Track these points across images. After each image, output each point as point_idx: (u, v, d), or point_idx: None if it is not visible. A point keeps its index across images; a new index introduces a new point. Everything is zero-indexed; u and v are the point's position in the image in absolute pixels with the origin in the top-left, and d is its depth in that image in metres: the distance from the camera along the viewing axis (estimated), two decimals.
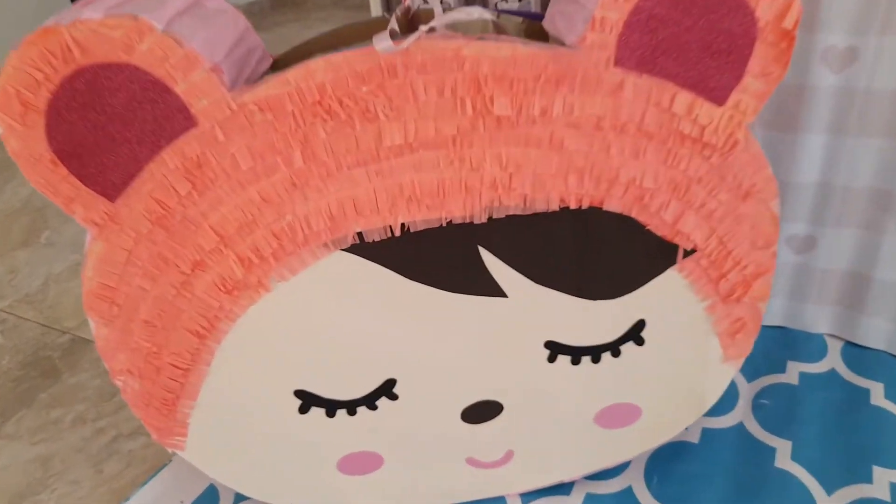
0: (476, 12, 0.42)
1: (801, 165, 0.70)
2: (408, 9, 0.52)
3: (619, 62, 0.43)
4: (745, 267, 0.51)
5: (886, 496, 0.59)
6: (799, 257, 0.75)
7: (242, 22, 0.48)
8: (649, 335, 0.53)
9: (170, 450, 0.55)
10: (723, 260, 0.50)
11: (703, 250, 0.50)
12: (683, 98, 0.44)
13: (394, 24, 0.45)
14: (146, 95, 0.41)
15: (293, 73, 0.41)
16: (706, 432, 0.67)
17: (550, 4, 0.50)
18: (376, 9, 0.88)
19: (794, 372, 0.74)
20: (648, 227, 0.48)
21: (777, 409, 0.69)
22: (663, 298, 0.52)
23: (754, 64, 0.43)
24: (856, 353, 0.75)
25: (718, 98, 0.44)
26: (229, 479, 0.58)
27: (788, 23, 0.42)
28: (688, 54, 0.43)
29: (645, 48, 0.42)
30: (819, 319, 0.78)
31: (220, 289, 0.47)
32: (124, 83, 0.40)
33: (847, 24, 0.62)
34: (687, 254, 0.50)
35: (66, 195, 0.43)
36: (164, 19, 0.40)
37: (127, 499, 0.64)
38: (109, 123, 0.41)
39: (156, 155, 0.43)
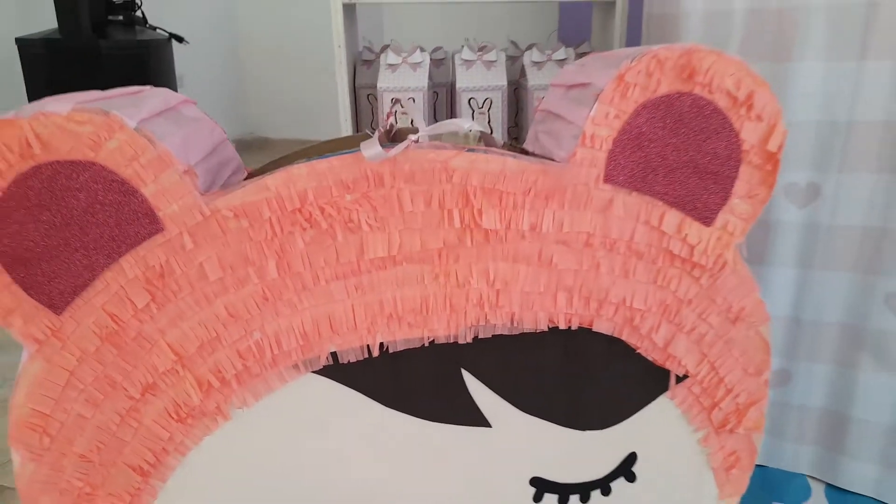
0: (466, 124, 0.42)
1: (772, 298, 0.70)
2: (391, 126, 0.52)
3: (608, 179, 0.42)
4: (738, 395, 0.48)
5: None
6: (775, 392, 0.74)
7: (219, 132, 0.47)
8: (641, 470, 0.49)
9: None
10: (715, 387, 0.48)
11: (695, 377, 0.47)
12: (672, 217, 0.43)
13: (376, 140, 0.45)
14: (109, 198, 0.38)
15: (273, 179, 0.39)
16: None
17: (531, 127, 0.51)
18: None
19: None
20: (639, 351, 0.46)
21: None
22: (656, 429, 0.48)
23: (740, 185, 0.44)
24: (840, 496, 0.72)
25: (706, 218, 0.44)
26: None
27: (773, 146, 0.43)
28: (676, 173, 0.43)
29: (634, 166, 0.42)
30: (800, 459, 0.75)
31: (171, 416, 0.42)
32: (87, 183, 0.37)
33: (808, 162, 0.65)
34: (679, 380, 0.47)
35: (6, 306, 0.39)
36: (138, 118, 0.38)
37: None
38: (65, 227, 0.38)
39: (114, 263, 0.39)
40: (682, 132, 0.42)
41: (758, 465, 0.77)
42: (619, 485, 0.50)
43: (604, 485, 0.49)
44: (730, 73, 0.41)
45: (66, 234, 0.38)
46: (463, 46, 0.94)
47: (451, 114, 0.97)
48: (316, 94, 2.30)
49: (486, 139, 0.49)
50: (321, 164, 0.39)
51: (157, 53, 1.73)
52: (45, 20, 1.73)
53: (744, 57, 0.63)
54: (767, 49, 0.63)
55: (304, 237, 0.40)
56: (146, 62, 1.71)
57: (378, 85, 0.91)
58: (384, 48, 0.96)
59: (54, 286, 0.39)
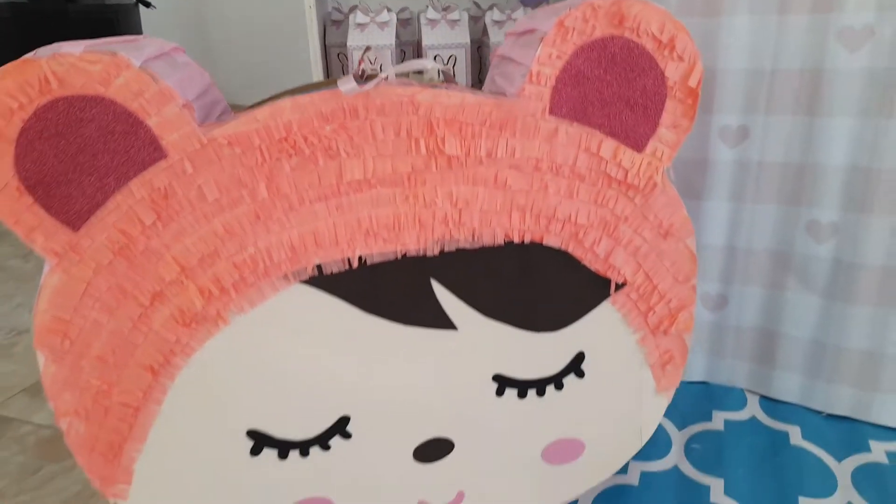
0: (430, 63, 0.48)
1: (709, 229, 0.78)
2: (362, 70, 0.58)
3: (553, 111, 0.49)
4: (670, 300, 0.56)
5: None
6: (713, 315, 0.82)
7: (207, 77, 0.52)
8: (589, 367, 0.57)
9: (111, 500, 0.53)
10: (650, 293, 0.55)
11: (633, 284, 0.55)
12: (609, 145, 0.50)
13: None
14: (118, 128, 0.43)
15: (262, 112, 0.45)
16: (644, 475, 0.70)
17: (489, 71, 0.57)
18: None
19: (719, 420, 0.78)
20: (584, 262, 0.53)
21: (707, 452, 0.73)
22: (600, 331, 0.56)
23: (666, 117, 0.51)
24: (773, 404, 0.81)
25: (638, 145, 0.51)
26: None
27: (693, 82, 0.50)
28: (611, 106, 0.49)
29: (575, 100, 0.49)
30: (737, 374, 0.84)
31: (177, 322, 0.48)
32: (97, 115, 0.43)
33: (737, 106, 0.72)
34: (618, 287, 0.55)
35: (29, 224, 0.44)
36: (140, 59, 0.43)
37: None
38: (79, 154, 0.43)
39: (123, 186, 0.45)
40: (614, 70, 0.49)
41: (700, 382, 0.86)
42: (570, 380, 0.57)
43: (557, 380, 0.57)
44: (654, 19, 0.48)
45: (80, 160, 0.43)
46: (427, 7, 0.99)
47: None
48: (285, 57, 2.31)
49: (447, 78, 0.55)
50: (303, 99, 0.45)
51: (125, 18, 1.74)
52: None
53: (682, 12, 0.71)
54: (701, 5, 0.70)
55: (290, 163, 0.46)
56: (114, 26, 1.73)
57: (348, 43, 0.96)
58: (352, 8, 1.01)
59: (71, 207, 0.44)
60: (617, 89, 0.49)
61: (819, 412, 0.79)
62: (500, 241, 0.51)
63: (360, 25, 0.98)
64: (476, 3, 1.05)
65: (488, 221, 0.50)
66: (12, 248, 1.45)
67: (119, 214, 0.45)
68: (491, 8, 1.00)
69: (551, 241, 0.52)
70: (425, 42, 0.97)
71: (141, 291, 0.47)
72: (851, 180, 0.70)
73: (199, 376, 0.50)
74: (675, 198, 0.53)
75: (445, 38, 0.97)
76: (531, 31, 0.50)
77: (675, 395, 0.82)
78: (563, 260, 0.53)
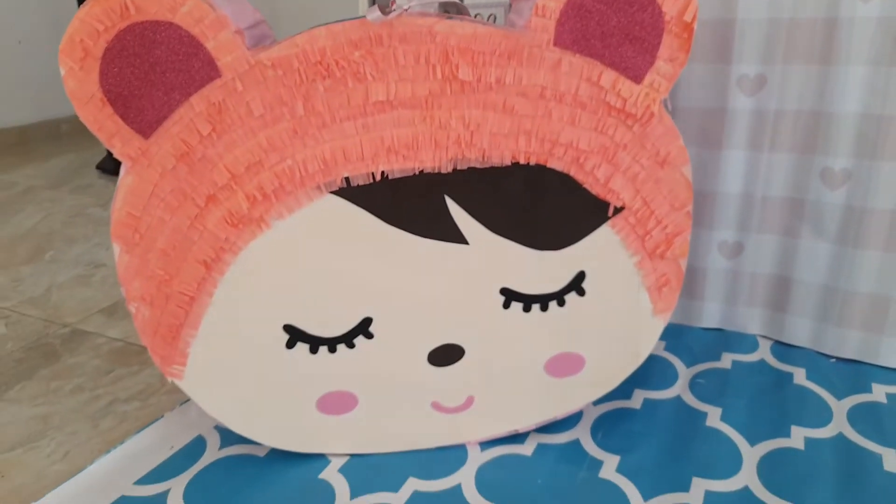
0: None
1: (726, 178, 0.82)
2: (392, 4, 0.64)
3: (557, 42, 0.54)
4: (666, 226, 0.61)
5: (801, 447, 0.67)
6: (729, 262, 0.86)
7: (259, 14, 0.60)
8: (589, 286, 0.63)
9: (169, 379, 0.62)
10: (647, 218, 0.61)
11: (631, 209, 0.60)
12: (609, 75, 0.56)
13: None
14: (183, 49, 0.51)
15: (300, 38, 0.52)
16: (647, 402, 0.75)
17: (510, 11, 0.63)
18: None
19: (727, 360, 0.82)
20: (585, 185, 0.59)
21: (711, 386, 0.77)
22: (600, 252, 0.61)
23: (663, 50, 0.55)
24: (783, 349, 0.84)
25: (637, 77, 0.56)
26: (220, 413, 0.65)
27: (688, 17, 0.54)
28: (611, 39, 0.55)
29: (577, 32, 0.54)
30: (750, 320, 0.88)
31: (227, 222, 0.56)
32: (167, 38, 0.51)
33: (756, 56, 0.76)
34: (616, 211, 0.60)
35: (109, 131, 0.53)
36: None
37: (122, 442, 0.70)
38: (151, 71, 0.52)
39: (185, 100, 0.53)
40: (615, 5, 0.54)
41: (716, 329, 0.90)
42: (571, 298, 0.63)
43: (559, 297, 0.63)
44: None
45: (151, 77, 0.52)
46: None
47: None
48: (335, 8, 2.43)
49: (460, 10, 0.61)
50: (336, 27, 0.52)
51: None
52: None
53: None
54: None
55: (324, 84, 0.53)
56: None
57: (396, 1, 1.03)
58: None
59: (143, 117, 0.53)
60: (617, 23, 0.54)
61: (829, 356, 0.82)
62: (507, 162, 0.57)
63: None
64: None
65: (497, 144, 0.56)
66: (92, 198, 1.60)
67: (182, 126, 0.54)
68: None
69: (555, 164, 0.58)
70: (467, 1, 1.03)
71: (198, 194, 0.55)
72: (863, 127, 0.73)
73: (244, 273, 0.58)
74: (671, 128, 0.58)
75: None
76: None
77: (689, 338, 0.88)
78: (566, 183, 0.58)
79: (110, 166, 1.80)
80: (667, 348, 0.85)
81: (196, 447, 0.70)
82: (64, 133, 2.18)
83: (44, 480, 0.66)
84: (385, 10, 0.53)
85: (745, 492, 0.62)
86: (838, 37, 0.71)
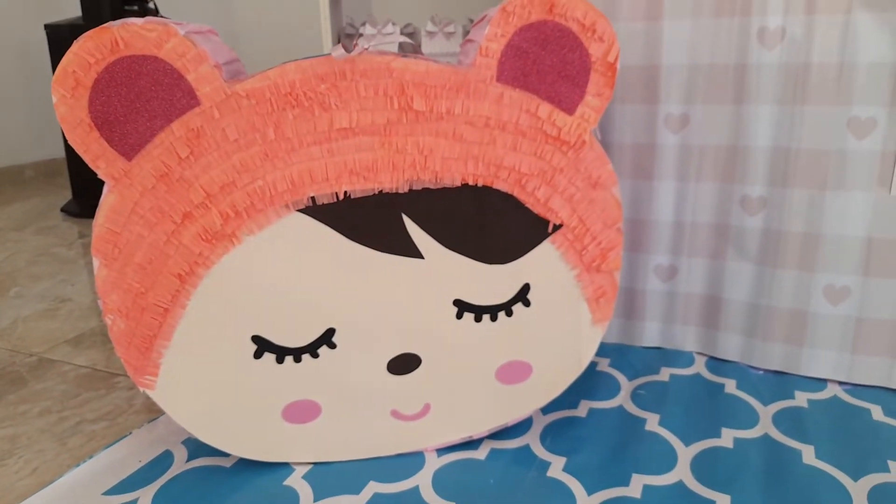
0: (400, 39, 0.62)
1: (659, 206, 0.90)
2: (355, 45, 0.72)
3: (499, 79, 0.62)
4: (601, 242, 0.68)
5: (730, 445, 0.73)
6: (665, 284, 0.93)
7: (234, 53, 0.67)
8: (534, 298, 0.69)
9: (141, 389, 0.66)
10: (583, 234, 0.68)
11: (568, 226, 0.67)
12: (545, 107, 0.63)
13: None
14: (165, 80, 0.57)
15: (272, 72, 0.59)
16: (592, 410, 0.81)
17: (459, 53, 0.71)
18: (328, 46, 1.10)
19: (666, 374, 0.89)
20: (527, 205, 0.66)
21: (650, 396, 0.84)
22: (542, 265, 0.68)
23: (591, 86, 0.63)
24: (717, 363, 0.92)
25: (569, 109, 0.64)
26: (189, 423, 0.68)
27: (611, 57, 0.63)
28: (546, 76, 0.63)
29: (517, 70, 0.62)
30: (687, 338, 0.95)
31: (202, 238, 0.62)
32: (152, 70, 0.57)
33: (679, 97, 0.85)
34: (556, 228, 0.67)
35: (95, 153, 0.58)
36: (185, 31, 0.58)
37: (90, 457, 0.72)
38: (136, 100, 0.58)
39: (167, 126, 0.59)
40: (548, 47, 0.62)
41: (656, 348, 0.97)
42: (518, 308, 0.69)
43: (507, 307, 0.69)
44: (579, 7, 0.61)
45: (136, 104, 0.58)
46: (428, 21, 1.14)
47: None
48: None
49: (416, 50, 0.69)
50: (304, 62, 0.59)
51: None
52: (70, 10, 1.93)
53: (628, 17, 0.84)
54: (644, 9, 0.83)
55: (293, 113, 0.60)
56: None
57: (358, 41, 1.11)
58: (363, 23, 1.17)
59: (127, 141, 0.58)
60: (551, 63, 0.62)
61: (757, 368, 0.89)
62: (457, 183, 0.64)
63: (368, 37, 1.13)
64: (470, 20, 1.20)
65: (448, 167, 0.63)
66: (56, 239, 1.61)
67: (162, 149, 0.59)
68: None
69: (500, 185, 0.65)
70: (424, 51, 1.12)
71: (175, 211, 0.61)
72: (774, 159, 0.82)
73: (215, 286, 0.63)
74: (601, 154, 0.66)
75: (442, 47, 1.11)
76: (484, 17, 0.64)
77: (631, 356, 0.95)
78: (510, 202, 0.65)
79: (75, 209, 1.82)
80: (611, 364, 0.91)
81: (164, 460, 0.73)
82: (28, 178, 2.20)
83: (12, 493, 0.68)
84: (348, 49, 0.60)
85: (679, 485, 0.67)
86: (748, 80, 0.81)
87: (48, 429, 0.79)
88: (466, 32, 1.17)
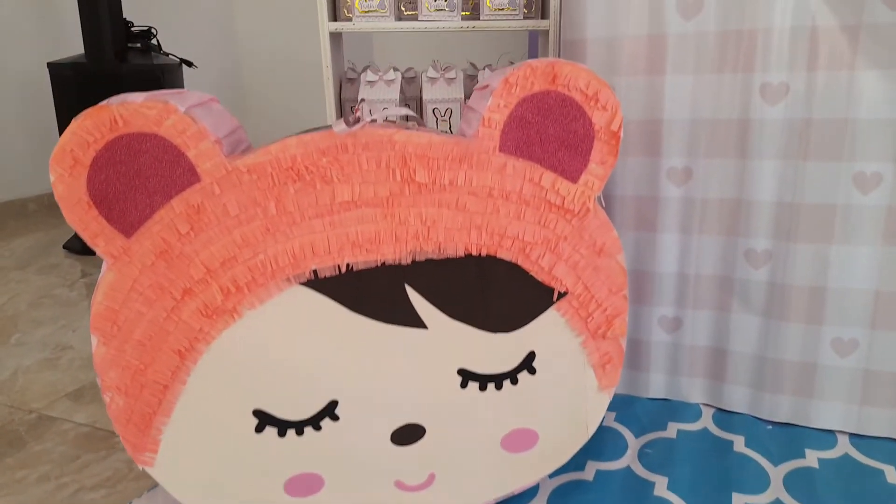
0: (403, 111, 0.61)
1: (663, 259, 0.89)
2: (357, 118, 0.71)
3: (502, 149, 0.61)
4: (606, 308, 0.67)
5: None
6: (670, 336, 0.92)
7: (235, 121, 0.66)
8: (539, 365, 0.68)
9: (140, 466, 0.64)
10: (588, 302, 0.67)
11: (573, 293, 0.66)
12: (549, 176, 0.63)
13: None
14: (166, 157, 0.57)
15: (273, 147, 0.58)
16: (599, 473, 0.79)
17: (462, 121, 0.70)
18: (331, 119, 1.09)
19: (673, 430, 0.88)
20: (531, 273, 0.65)
21: (658, 456, 0.82)
22: (547, 333, 0.67)
23: (595, 154, 0.63)
24: (724, 416, 0.90)
25: (573, 177, 0.63)
26: (189, 498, 0.67)
27: (615, 126, 0.62)
28: (549, 146, 0.62)
29: (519, 140, 0.61)
30: (693, 390, 0.94)
31: (202, 313, 0.61)
32: (151, 148, 0.56)
33: (682, 151, 0.85)
34: (560, 296, 0.66)
35: (94, 231, 0.58)
36: (185, 106, 0.57)
37: None
38: (136, 177, 0.57)
39: (166, 203, 0.58)
40: (551, 117, 0.61)
41: (662, 399, 0.96)
42: (523, 376, 0.68)
43: (512, 376, 0.68)
44: (582, 77, 0.60)
45: (135, 182, 0.57)
46: (429, 67, 1.14)
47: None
48: (306, 108, 2.59)
49: (418, 122, 0.68)
50: (306, 137, 0.59)
51: (170, 76, 1.94)
52: (73, 47, 1.94)
53: (630, 71, 0.84)
54: (646, 66, 0.83)
55: (294, 187, 0.59)
56: (160, 83, 1.92)
57: (359, 98, 1.11)
58: (365, 68, 1.17)
59: (126, 218, 0.58)
60: (554, 132, 0.62)
61: (766, 422, 0.88)
62: (461, 253, 0.63)
63: (370, 83, 1.13)
64: (472, 64, 1.19)
65: (451, 237, 0.62)
66: (59, 279, 1.61)
67: (162, 225, 0.58)
68: (484, 68, 1.15)
69: (504, 255, 0.64)
70: (426, 97, 1.11)
71: (175, 287, 0.60)
72: (778, 213, 0.81)
73: (216, 361, 0.62)
74: (605, 221, 0.65)
75: (443, 93, 1.11)
76: (486, 87, 0.63)
77: (637, 408, 0.93)
78: (514, 271, 0.64)
79: (77, 246, 1.81)
80: (617, 419, 0.90)
81: None
82: (31, 212, 2.20)
83: None
84: (350, 122, 0.60)
85: None
86: (751, 135, 0.80)
87: (46, 498, 0.78)
88: (468, 77, 1.16)
